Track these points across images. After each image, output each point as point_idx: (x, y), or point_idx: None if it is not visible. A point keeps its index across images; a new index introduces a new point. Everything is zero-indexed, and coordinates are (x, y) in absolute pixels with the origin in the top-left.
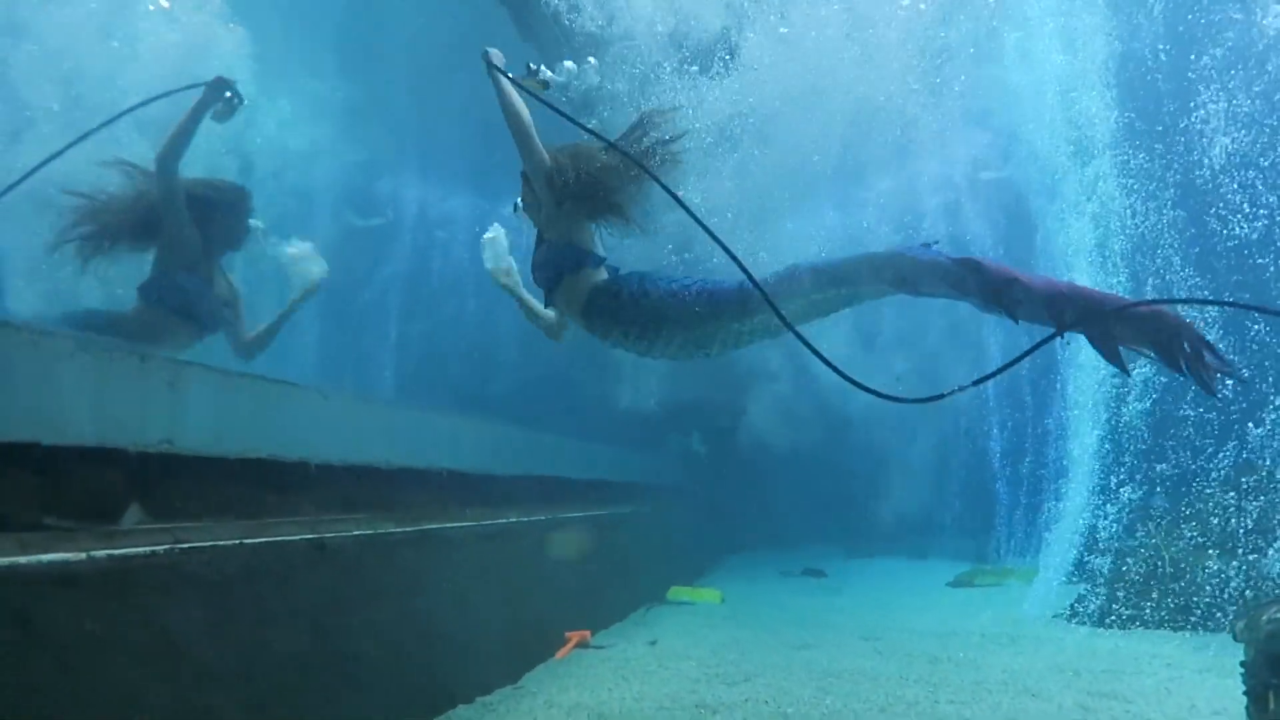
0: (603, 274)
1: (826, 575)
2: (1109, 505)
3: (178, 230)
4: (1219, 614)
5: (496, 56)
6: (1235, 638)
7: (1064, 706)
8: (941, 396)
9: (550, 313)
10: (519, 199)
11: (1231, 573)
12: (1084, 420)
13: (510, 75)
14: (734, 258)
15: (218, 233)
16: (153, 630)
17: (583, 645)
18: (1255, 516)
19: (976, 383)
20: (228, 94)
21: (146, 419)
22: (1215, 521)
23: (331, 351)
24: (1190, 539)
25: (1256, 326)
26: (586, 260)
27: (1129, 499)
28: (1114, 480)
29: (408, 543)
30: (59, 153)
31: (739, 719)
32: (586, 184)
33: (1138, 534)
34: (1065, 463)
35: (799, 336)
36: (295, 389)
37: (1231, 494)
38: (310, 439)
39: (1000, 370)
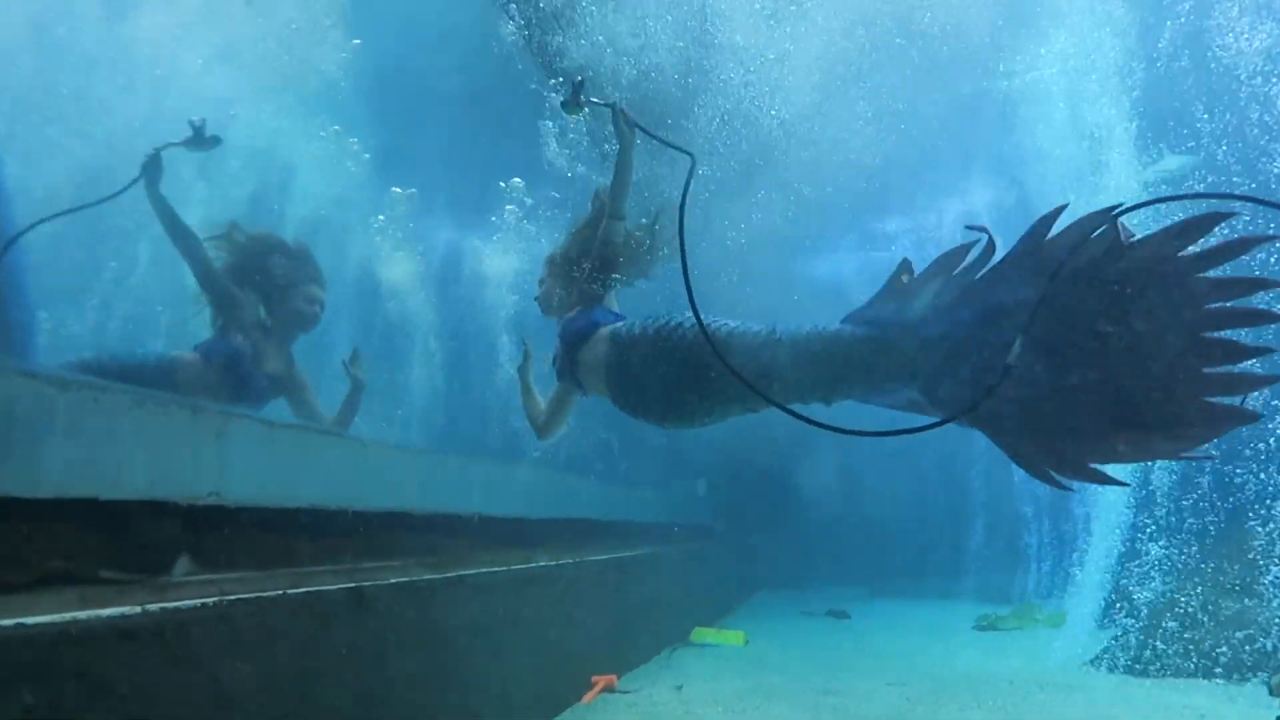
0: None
1: (850, 617)
2: (1141, 549)
3: (217, 295)
4: (1250, 662)
5: (628, 113)
6: (1271, 691)
7: None
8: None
9: (542, 404)
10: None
11: (1264, 622)
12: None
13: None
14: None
15: (274, 305)
16: (204, 682)
17: (609, 690)
18: None
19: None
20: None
21: (197, 471)
22: (1248, 569)
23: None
24: (1223, 586)
25: None
26: (607, 318)
27: (1161, 544)
28: (1146, 524)
29: (442, 589)
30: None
31: None
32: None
33: (1169, 580)
34: (1095, 503)
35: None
36: (335, 438)
37: (1264, 541)
38: (349, 487)
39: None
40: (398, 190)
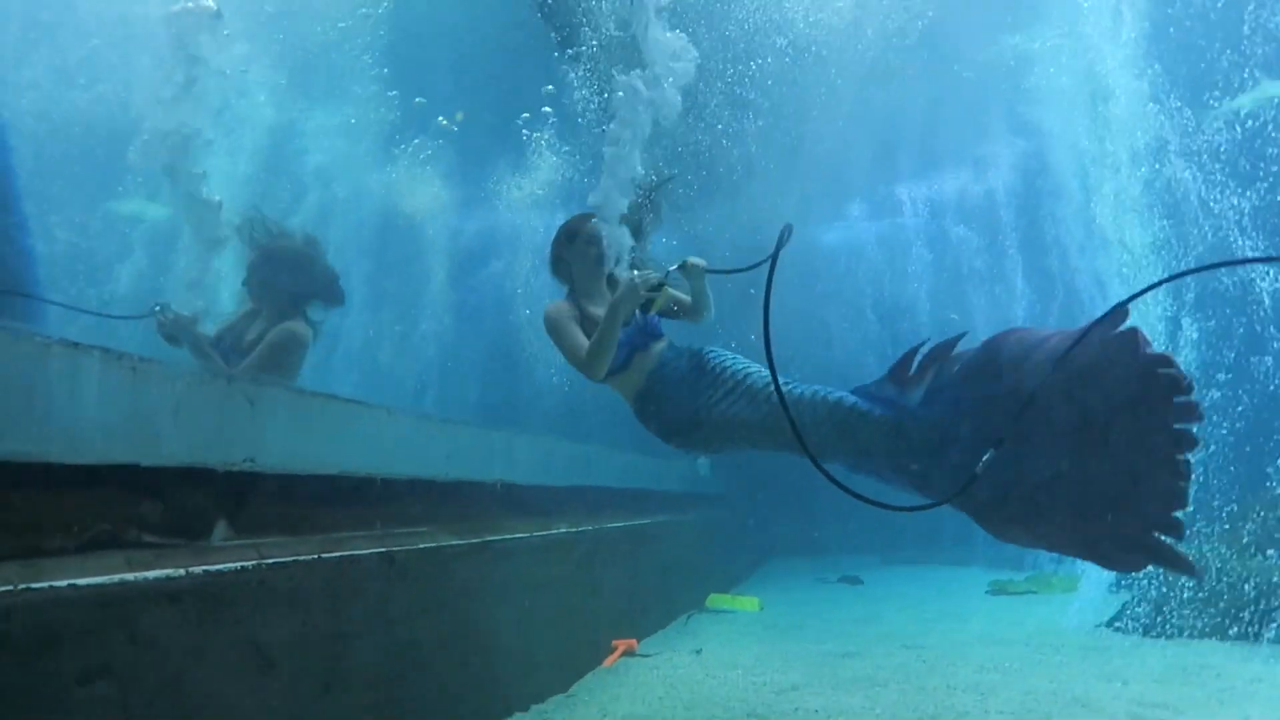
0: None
1: (864, 583)
2: None
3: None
4: (1267, 624)
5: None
6: None
7: (1115, 716)
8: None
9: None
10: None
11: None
12: None
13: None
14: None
15: None
16: (243, 643)
17: (629, 654)
18: None
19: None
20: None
21: (231, 438)
22: (1263, 528)
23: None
24: (1238, 546)
25: None
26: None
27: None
28: None
29: (467, 554)
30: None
31: None
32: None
33: (1185, 543)
34: None
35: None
36: (362, 407)
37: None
38: (376, 454)
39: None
40: (444, 121)
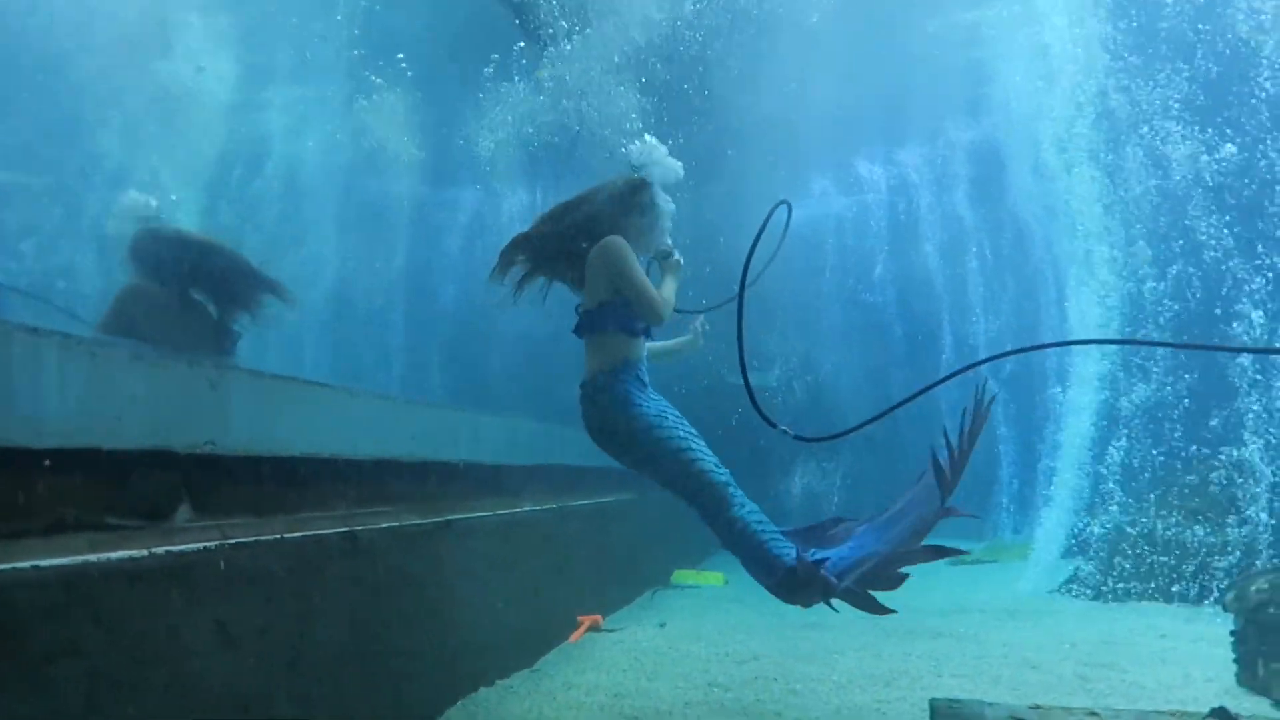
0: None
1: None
2: (1102, 482)
3: None
4: (1209, 585)
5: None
6: (1225, 608)
7: (1063, 677)
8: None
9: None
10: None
11: (1220, 546)
12: (1079, 397)
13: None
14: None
15: None
16: (208, 622)
17: (594, 629)
18: (1241, 491)
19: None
20: None
21: (192, 421)
22: (1206, 497)
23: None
24: (1181, 513)
25: None
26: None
27: (1122, 475)
28: (1107, 457)
29: (431, 533)
30: None
31: (750, 696)
32: None
33: (1130, 509)
34: (1059, 440)
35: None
36: (324, 389)
37: (1220, 470)
38: (339, 436)
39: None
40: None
